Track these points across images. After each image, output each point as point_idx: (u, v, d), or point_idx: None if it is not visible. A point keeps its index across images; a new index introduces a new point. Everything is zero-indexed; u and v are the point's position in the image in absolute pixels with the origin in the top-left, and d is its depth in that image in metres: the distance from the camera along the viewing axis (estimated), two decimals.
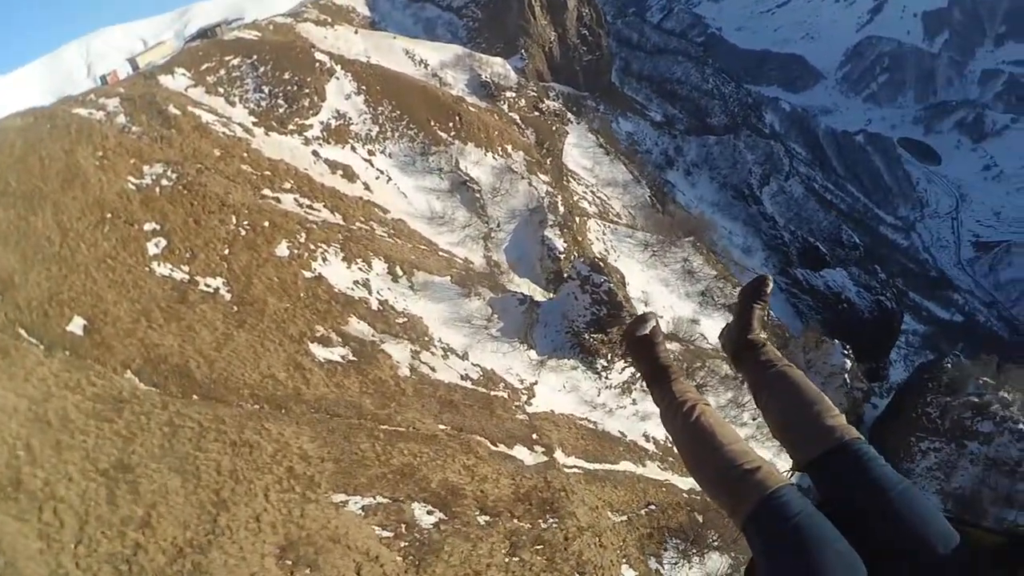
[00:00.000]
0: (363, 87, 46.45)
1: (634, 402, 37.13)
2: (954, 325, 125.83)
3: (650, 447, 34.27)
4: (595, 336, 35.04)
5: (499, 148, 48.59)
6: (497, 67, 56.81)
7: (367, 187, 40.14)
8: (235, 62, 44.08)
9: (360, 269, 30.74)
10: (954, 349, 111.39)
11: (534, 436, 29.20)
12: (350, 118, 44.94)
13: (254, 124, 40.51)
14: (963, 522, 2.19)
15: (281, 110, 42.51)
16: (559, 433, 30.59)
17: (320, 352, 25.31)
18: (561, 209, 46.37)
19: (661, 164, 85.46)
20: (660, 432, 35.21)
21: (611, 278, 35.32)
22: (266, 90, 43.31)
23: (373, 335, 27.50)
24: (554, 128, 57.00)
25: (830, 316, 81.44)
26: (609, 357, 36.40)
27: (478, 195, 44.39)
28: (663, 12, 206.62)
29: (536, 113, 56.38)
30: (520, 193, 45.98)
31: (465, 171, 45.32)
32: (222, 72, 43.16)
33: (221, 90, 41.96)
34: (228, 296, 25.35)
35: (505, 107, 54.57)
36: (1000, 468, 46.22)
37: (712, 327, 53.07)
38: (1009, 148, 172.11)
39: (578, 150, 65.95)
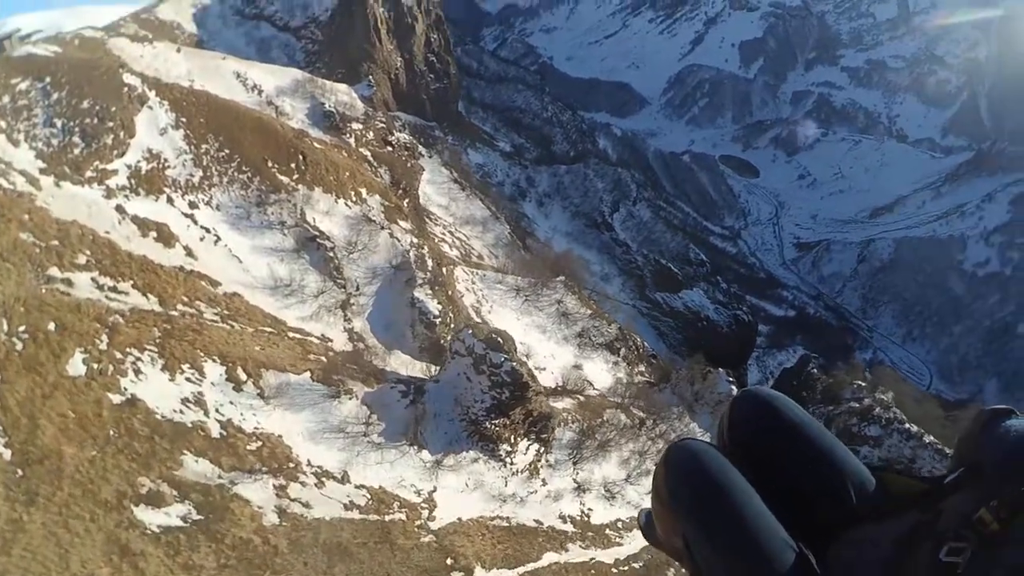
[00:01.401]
0: (183, 119, 37.42)
1: (544, 483, 32.25)
2: (788, 320, 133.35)
3: (568, 528, 30.14)
4: (497, 422, 29.32)
5: (352, 192, 41.56)
6: (342, 95, 49.52)
7: (189, 252, 31.66)
8: (23, 86, 33.63)
9: (189, 379, 22.74)
10: (794, 342, 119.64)
11: (448, 560, 23.19)
12: (166, 159, 35.96)
13: (41, 171, 30.97)
14: (879, 468, 2.13)
15: (77, 150, 32.96)
16: (474, 545, 25.05)
17: (151, 518, 17.58)
18: (429, 263, 39.99)
19: (514, 196, 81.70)
20: (574, 507, 31.57)
21: (511, 354, 29.63)
22: (59, 124, 33.42)
23: (220, 476, 19.96)
24: (409, 164, 50.78)
25: (691, 334, 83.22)
26: (512, 440, 30.86)
27: (331, 253, 36.90)
28: (497, 42, 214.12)
29: (388, 148, 49.87)
30: (381, 247, 39.05)
31: (313, 224, 37.84)
32: (5, 100, 32.95)
33: (3, 124, 31.99)
34: (7, 454, 17.01)
35: (352, 141, 47.51)
36: (896, 467, 47.53)
37: (594, 369, 49.43)
38: (820, 159, 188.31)
39: (432, 187, 59.97)
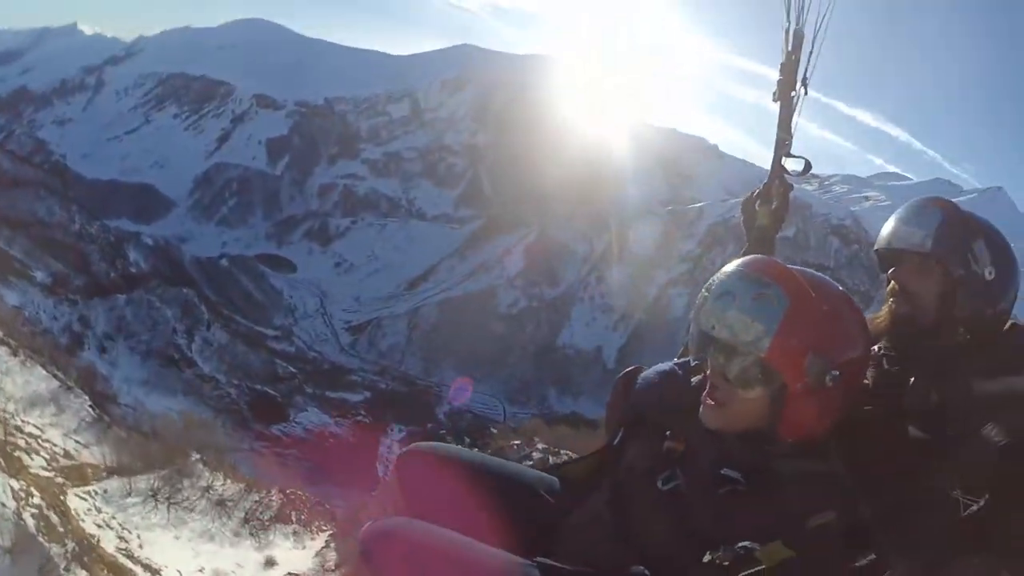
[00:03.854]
0: None
1: None
2: (368, 402, 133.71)
3: None
4: None
5: None
6: None
7: None
8: None
9: None
10: (385, 419, 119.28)
11: None
12: None
13: None
14: (553, 468, 2.35)
15: None
16: None
17: None
18: (55, 520, 24.21)
19: (71, 346, 61.59)
20: None
21: None
22: None
23: None
24: None
25: (318, 458, 75.14)
26: None
27: None
28: (2, 133, 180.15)
29: None
30: None
31: None
32: None
33: None
34: None
35: None
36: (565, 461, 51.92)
37: (286, 558, 37.82)
38: (353, 244, 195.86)
39: None
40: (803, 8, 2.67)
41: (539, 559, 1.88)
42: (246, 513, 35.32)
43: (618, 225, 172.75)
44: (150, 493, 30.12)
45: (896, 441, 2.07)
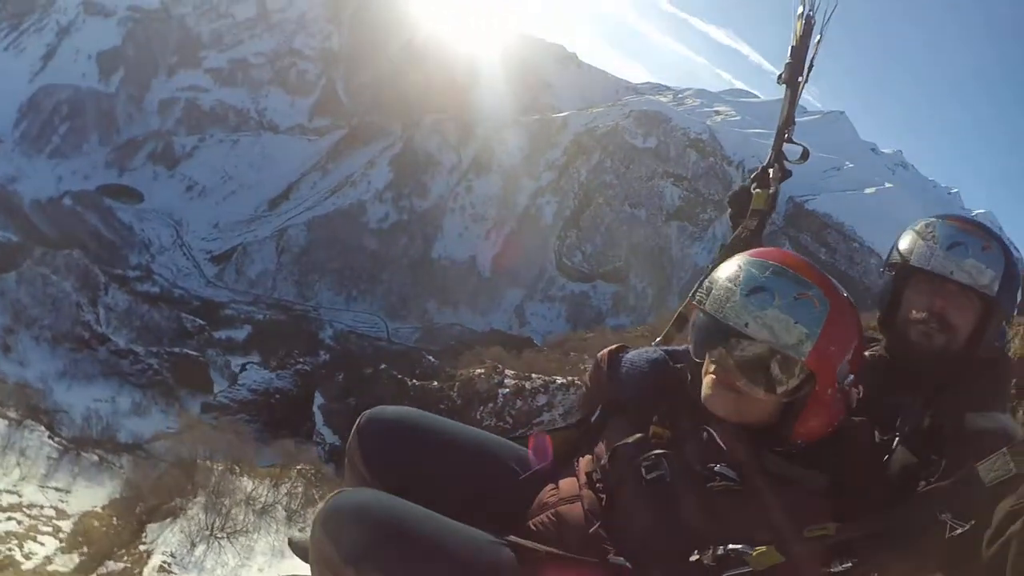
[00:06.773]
0: None
1: None
2: (253, 338, 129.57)
3: None
4: None
5: None
6: None
7: None
8: None
9: None
10: (283, 356, 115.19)
11: None
12: None
13: None
14: (520, 437, 2.30)
15: None
16: None
17: None
18: None
19: None
20: None
21: None
22: None
23: None
24: None
25: (267, 416, 71.16)
26: None
27: None
28: None
29: None
30: None
31: None
32: None
33: None
34: None
35: None
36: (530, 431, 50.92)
37: None
38: (203, 165, 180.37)
39: None
40: None
41: (511, 538, 1.86)
42: (285, 510, 34.12)
43: (484, 134, 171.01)
44: (207, 532, 27.50)
45: (882, 457, 2.08)
